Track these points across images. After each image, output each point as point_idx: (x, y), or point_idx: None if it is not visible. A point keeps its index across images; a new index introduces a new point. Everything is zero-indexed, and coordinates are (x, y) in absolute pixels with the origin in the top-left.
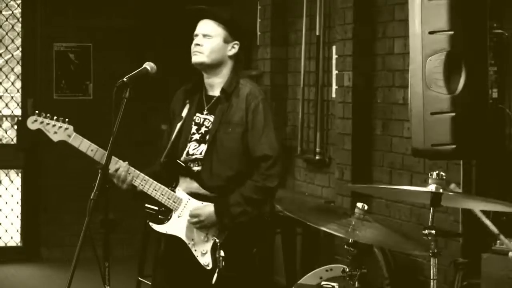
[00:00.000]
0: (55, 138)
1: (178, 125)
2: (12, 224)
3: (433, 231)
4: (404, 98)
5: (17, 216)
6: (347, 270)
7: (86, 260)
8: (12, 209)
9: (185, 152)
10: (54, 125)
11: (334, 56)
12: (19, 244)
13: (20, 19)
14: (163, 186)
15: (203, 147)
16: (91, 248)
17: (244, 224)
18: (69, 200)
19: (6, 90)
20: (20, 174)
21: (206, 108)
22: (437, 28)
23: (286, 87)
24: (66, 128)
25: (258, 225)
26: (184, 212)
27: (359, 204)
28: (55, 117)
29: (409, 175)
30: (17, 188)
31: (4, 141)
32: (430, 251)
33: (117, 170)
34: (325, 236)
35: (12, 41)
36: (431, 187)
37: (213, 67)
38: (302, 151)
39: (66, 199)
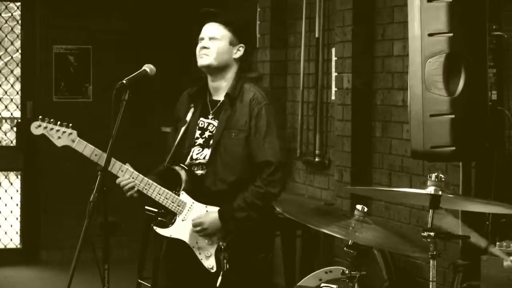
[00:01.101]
0: (59, 143)
1: (182, 129)
2: (11, 226)
3: (432, 233)
4: (403, 100)
5: (17, 218)
6: (347, 272)
7: (86, 262)
8: (11, 211)
9: (189, 157)
10: (58, 130)
11: (334, 58)
12: (18, 246)
13: (20, 21)
14: (167, 190)
15: (207, 151)
16: (91, 250)
17: (249, 229)
18: (69, 202)
19: (6, 92)
20: (19, 176)
21: (211, 112)
22: (436, 30)
23: (285, 89)
24: (70, 133)
25: (264, 231)
26: (188, 215)
27: (359, 206)
28: (58, 122)
29: (409, 177)
30: (17, 190)
31: (3, 143)
32: (430, 253)
33: (122, 181)
34: (325, 238)
35: (12, 43)
36: (430, 189)
37: (220, 69)
38: (302, 153)
39: (65, 201)
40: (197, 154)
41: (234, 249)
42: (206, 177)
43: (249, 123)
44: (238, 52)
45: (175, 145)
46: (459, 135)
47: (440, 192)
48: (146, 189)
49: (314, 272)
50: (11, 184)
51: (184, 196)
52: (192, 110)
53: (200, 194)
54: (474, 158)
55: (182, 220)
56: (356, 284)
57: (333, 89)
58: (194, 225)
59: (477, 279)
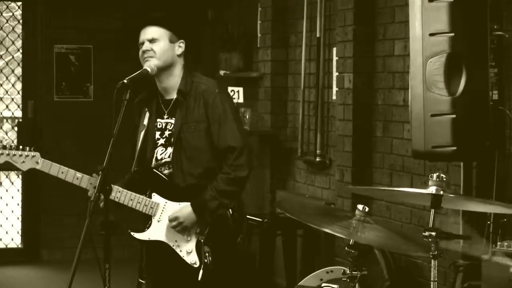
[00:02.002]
0: (24, 167)
1: (142, 133)
2: (12, 225)
3: (434, 233)
4: (404, 100)
5: (18, 218)
6: (348, 271)
7: (87, 261)
8: (12, 211)
9: (154, 158)
10: (20, 155)
11: (335, 58)
12: (19, 246)
13: (21, 21)
14: (138, 195)
15: (170, 150)
16: (92, 249)
17: (223, 217)
18: (70, 201)
19: (7, 92)
20: (20, 176)
21: (166, 112)
22: (437, 30)
23: (286, 89)
24: (33, 156)
25: (236, 214)
26: (163, 216)
27: (360, 206)
28: (21, 147)
29: (410, 177)
30: (18, 190)
31: (4, 143)
32: (431, 253)
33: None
34: (326, 238)
35: (13, 42)
36: (432, 189)
37: (165, 69)
38: (303, 153)
39: (66, 201)
40: (161, 154)
41: (212, 240)
42: (174, 174)
43: (205, 114)
44: (180, 48)
45: (138, 150)
46: (460, 135)
47: (441, 192)
48: (117, 197)
49: (315, 272)
50: (12, 183)
51: (156, 197)
52: (147, 114)
53: (172, 193)
54: (475, 158)
55: (158, 221)
56: (357, 284)
57: (334, 88)
58: (170, 220)
59: (478, 279)
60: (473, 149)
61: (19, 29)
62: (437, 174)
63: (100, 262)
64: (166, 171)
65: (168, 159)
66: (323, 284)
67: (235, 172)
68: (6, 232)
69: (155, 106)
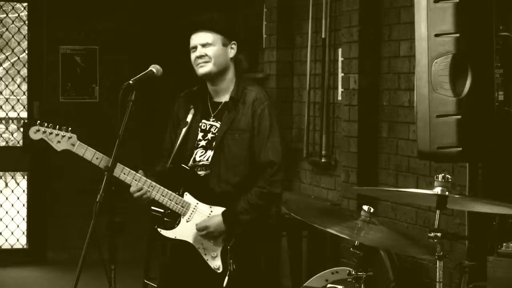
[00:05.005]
0: (59, 147)
1: (184, 130)
2: (18, 226)
3: (439, 234)
4: (410, 100)
5: (23, 219)
6: (353, 272)
7: (92, 262)
8: (18, 212)
9: (192, 159)
10: (57, 134)
11: (340, 59)
12: (25, 247)
13: (27, 22)
14: (170, 192)
15: (210, 153)
16: (97, 250)
17: (254, 228)
18: (75, 202)
19: (13, 93)
20: (26, 177)
21: (212, 115)
22: (443, 30)
23: (292, 89)
24: (70, 137)
25: (264, 226)
26: (193, 216)
27: (365, 207)
28: (57, 126)
29: (415, 177)
30: (24, 191)
31: (10, 144)
32: (436, 254)
33: (138, 190)
34: (331, 239)
35: (19, 43)
36: (437, 190)
37: (220, 73)
38: (308, 154)
39: (72, 201)
40: (200, 156)
41: (240, 248)
42: (210, 178)
43: (252, 124)
44: (232, 50)
45: (177, 146)
46: (465, 135)
47: (447, 193)
48: (149, 191)
49: (321, 273)
50: (18, 184)
51: (188, 197)
52: (192, 111)
53: (204, 195)
54: (480, 159)
55: (187, 221)
56: (362, 285)
57: (340, 89)
58: (199, 229)
59: (483, 280)
60: (478, 150)
61: (24, 30)
62: (443, 175)
63: (106, 262)
64: (201, 173)
65: (206, 162)
66: (329, 285)
67: (270, 187)
68: (12, 233)
69: (202, 106)
